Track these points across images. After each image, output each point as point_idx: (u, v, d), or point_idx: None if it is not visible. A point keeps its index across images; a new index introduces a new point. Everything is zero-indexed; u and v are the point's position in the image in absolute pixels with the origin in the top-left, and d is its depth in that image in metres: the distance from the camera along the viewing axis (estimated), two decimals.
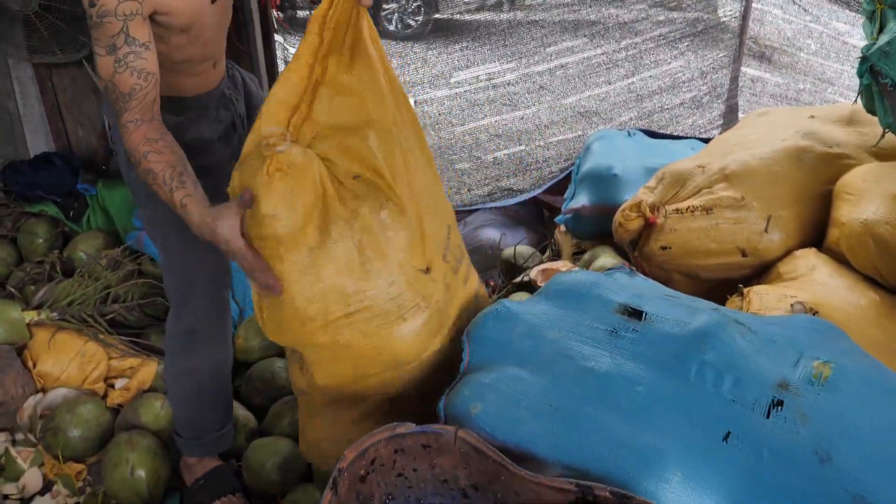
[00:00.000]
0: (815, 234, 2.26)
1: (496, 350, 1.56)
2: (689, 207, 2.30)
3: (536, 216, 3.67)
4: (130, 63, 1.44)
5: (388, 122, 1.53)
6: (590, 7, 3.66)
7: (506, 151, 3.69)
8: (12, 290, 2.65)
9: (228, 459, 2.18)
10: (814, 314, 1.87)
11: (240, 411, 2.28)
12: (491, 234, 3.42)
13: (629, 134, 3.19)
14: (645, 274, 2.48)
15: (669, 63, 3.67)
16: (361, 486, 1.37)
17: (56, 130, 3.49)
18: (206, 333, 1.90)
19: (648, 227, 2.38)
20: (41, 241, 2.98)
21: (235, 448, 2.20)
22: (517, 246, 3.13)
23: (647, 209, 2.38)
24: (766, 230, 2.21)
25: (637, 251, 2.45)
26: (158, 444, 2.12)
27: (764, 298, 1.96)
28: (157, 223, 1.82)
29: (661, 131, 3.47)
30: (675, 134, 3.45)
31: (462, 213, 3.57)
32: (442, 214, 1.72)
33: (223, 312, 1.94)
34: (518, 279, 2.96)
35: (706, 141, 3.10)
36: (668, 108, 3.67)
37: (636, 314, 1.52)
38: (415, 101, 3.66)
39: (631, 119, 3.63)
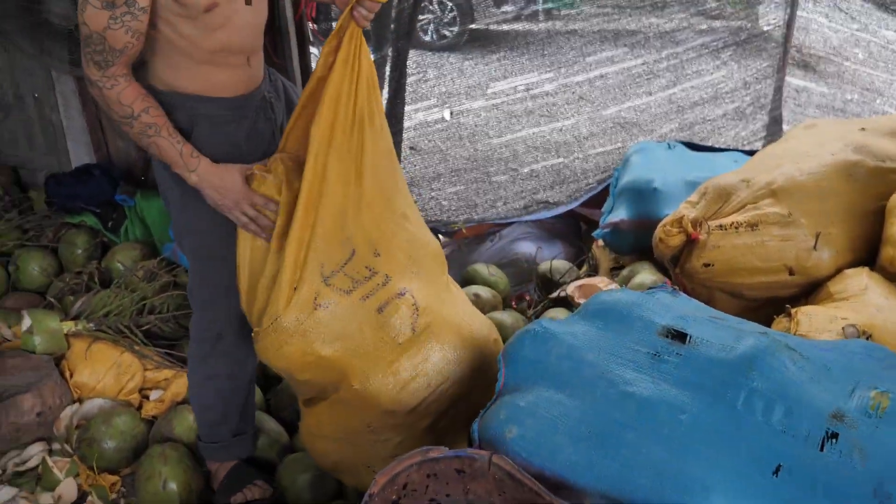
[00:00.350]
0: (867, 252, 2.17)
1: (533, 371, 1.51)
2: (733, 223, 2.23)
3: (573, 230, 3.60)
4: (127, 22, 1.48)
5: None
6: (630, 16, 3.60)
7: (544, 164, 3.64)
8: (52, 300, 2.68)
9: (270, 479, 2.16)
10: (867, 338, 1.78)
11: (271, 424, 2.27)
12: (527, 248, 3.37)
13: (669, 146, 3.12)
14: (686, 292, 2.41)
15: (711, 73, 3.59)
16: None
17: (96, 142, 3.53)
18: (231, 339, 1.90)
19: (690, 243, 2.31)
20: (80, 251, 3.02)
21: (268, 462, 2.18)
22: (554, 260, 3.08)
23: (689, 225, 2.31)
24: (814, 248, 2.13)
25: (678, 268, 2.38)
26: (191, 457, 2.11)
27: (813, 319, 1.88)
28: (187, 226, 1.82)
29: (703, 143, 3.39)
30: (717, 146, 3.36)
31: (498, 226, 3.53)
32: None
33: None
34: (554, 294, 2.90)
35: (749, 153, 3.02)
36: (709, 120, 3.59)
37: (680, 337, 1.46)
38: (450, 112, 3.64)
39: (671, 131, 3.56)
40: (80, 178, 3.02)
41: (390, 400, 1.67)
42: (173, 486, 2.02)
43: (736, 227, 2.21)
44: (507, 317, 2.52)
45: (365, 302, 1.68)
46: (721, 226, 2.24)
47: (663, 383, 1.38)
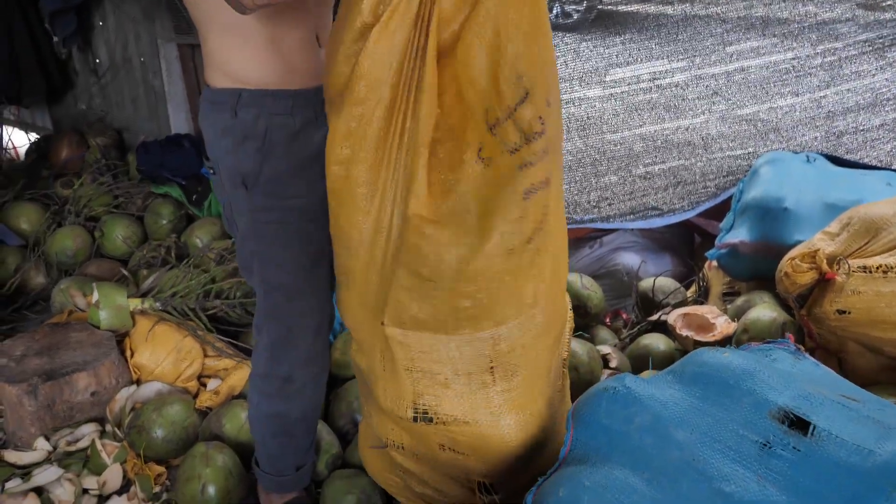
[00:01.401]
0: None
1: (608, 441, 1.24)
2: (881, 266, 1.83)
3: (686, 243, 3.23)
4: None
5: None
6: (783, 2, 3.12)
7: (661, 166, 3.25)
8: (125, 273, 2.63)
9: (309, 486, 2.00)
10: None
11: (323, 433, 2.10)
12: (629, 260, 3.04)
13: (809, 159, 2.68)
14: (812, 337, 2.04)
15: (874, 75, 3.07)
16: None
17: (195, 110, 3.49)
18: (303, 383, 1.69)
19: (824, 283, 1.93)
20: (165, 222, 2.97)
21: (315, 475, 2.02)
22: (659, 277, 2.74)
23: (825, 261, 1.93)
24: None
25: (805, 309, 2.01)
26: (235, 462, 1.97)
27: None
28: (266, 258, 1.57)
29: (850, 158, 2.91)
30: (868, 163, 2.88)
31: (599, 232, 3.20)
32: None
33: (324, 360, 1.74)
34: (654, 317, 2.58)
35: None
36: (863, 130, 3.08)
37: (801, 425, 1.14)
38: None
39: (815, 139, 3.08)
40: (168, 147, 2.96)
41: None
42: (212, 491, 1.89)
43: (884, 272, 1.82)
44: (578, 346, 2.15)
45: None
46: (865, 267, 1.85)
47: (771, 486, 1.08)
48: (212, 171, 1.60)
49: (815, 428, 1.13)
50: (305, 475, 1.90)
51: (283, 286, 1.58)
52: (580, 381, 2.03)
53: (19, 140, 4.53)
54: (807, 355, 1.42)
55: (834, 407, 1.19)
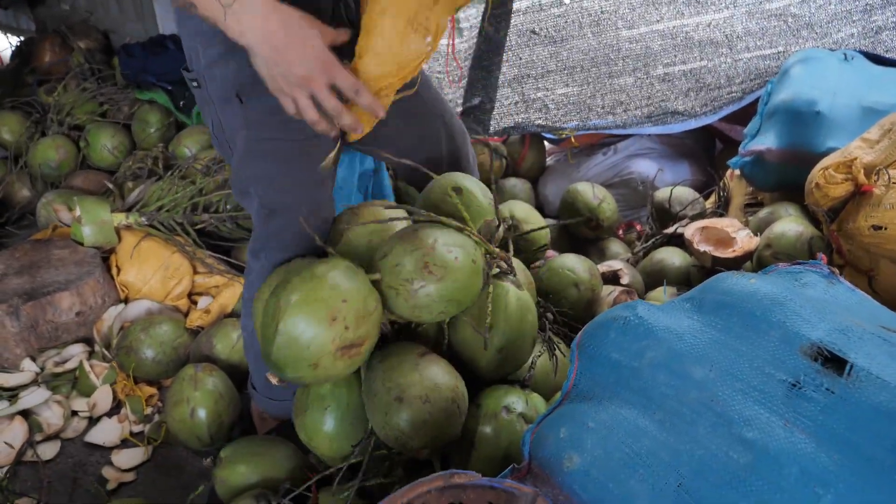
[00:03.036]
0: None
1: (616, 378, 1.12)
2: None
3: (706, 150, 3.03)
4: None
5: None
6: None
7: (682, 67, 3.01)
8: (110, 186, 2.49)
9: None
10: None
11: None
12: (645, 168, 2.86)
13: (846, 57, 2.44)
14: (841, 254, 1.89)
15: None
16: None
17: None
18: None
19: (859, 195, 1.77)
20: (153, 130, 2.81)
21: None
22: (676, 187, 2.57)
23: (861, 172, 1.75)
24: None
25: (835, 224, 1.85)
26: (226, 384, 1.89)
27: None
28: (265, 179, 1.44)
29: (892, 56, 2.67)
30: None
31: (613, 138, 3.00)
32: None
33: None
34: (671, 230, 2.43)
35: None
36: None
37: (836, 363, 1.01)
38: None
39: (851, 36, 2.82)
40: (152, 50, 2.76)
41: None
42: (202, 414, 1.82)
43: None
44: (578, 262, 1.95)
45: None
46: None
47: (799, 433, 0.95)
48: (195, 85, 1.43)
49: (852, 367, 0.99)
50: None
51: (285, 208, 1.45)
52: (580, 299, 1.90)
53: (0, 44, 4.30)
54: (842, 279, 1.27)
55: (874, 342, 1.05)
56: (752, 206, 2.46)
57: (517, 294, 1.45)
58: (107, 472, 1.83)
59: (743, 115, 2.83)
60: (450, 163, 1.76)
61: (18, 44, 4.00)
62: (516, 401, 1.41)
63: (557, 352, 1.64)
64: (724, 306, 1.13)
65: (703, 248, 2.09)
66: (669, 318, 1.15)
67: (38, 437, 1.89)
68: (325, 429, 1.41)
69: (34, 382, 2.01)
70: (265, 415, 1.85)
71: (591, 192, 2.49)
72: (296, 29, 1.10)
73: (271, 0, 1.10)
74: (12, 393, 1.97)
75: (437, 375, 1.31)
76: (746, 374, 1.03)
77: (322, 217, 1.51)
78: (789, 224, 2.02)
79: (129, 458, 1.86)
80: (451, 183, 1.52)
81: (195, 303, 2.24)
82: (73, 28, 3.65)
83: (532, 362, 1.52)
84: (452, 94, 2.84)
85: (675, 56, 2.96)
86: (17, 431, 1.85)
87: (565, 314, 1.81)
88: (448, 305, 1.30)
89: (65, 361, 2.06)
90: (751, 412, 0.99)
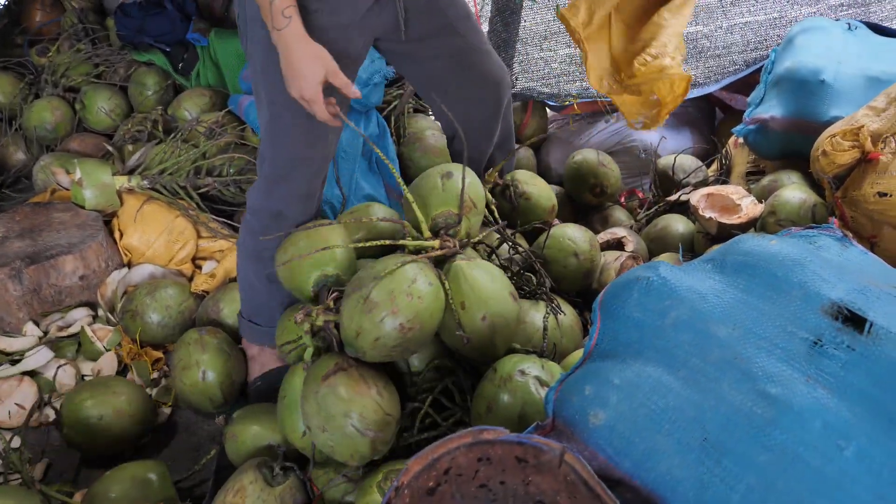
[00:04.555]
0: None
1: (639, 337, 1.13)
2: None
3: (707, 118, 3.03)
4: None
5: None
6: None
7: None
8: (110, 148, 2.46)
9: None
10: None
11: None
12: (647, 135, 2.86)
13: (850, 27, 2.45)
14: (844, 221, 1.91)
15: None
16: (428, 500, 1.04)
17: None
18: (292, 219, 1.68)
19: (865, 163, 1.78)
20: (151, 93, 2.76)
21: None
22: (679, 154, 2.58)
23: (868, 139, 1.77)
24: None
25: (840, 191, 1.87)
26: (230, 343, 1.89)
27: None
28: (269, 88, 1.54)
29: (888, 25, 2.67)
30: None
31: (615, 107, 2.99)
32: None
33: (313, 200, 1.72)
34: (674, 197, 2.44)
35: None
36: None
37: (856, 321, 1.03)
38: None
39: (850, 4, 2.82)
40: (149, 10, 2.70)
41: None
42: (212, 376, 1.83)
43: None
44: (577, 232, 1.96)
45: None
46: None
47: (821, 389, 0.98)
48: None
49: (872, 325, 1.02)
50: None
51: (293, 107, 1.49)
52: (579, 267, 1.92)
53: None
54: (854, 242, 1.29)
55: (890, 301, 1.07)
56: (754, 174, 2.48)
57: (469, 265, 1.48)
58: None
59: (743, 85, 2.83)
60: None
61: (7, 2, 3.90)
62: (531, 366, 1.43)
63: (561, 315, 1.68)
64: (746, 267, 1.15)
65: (708, 214, 2.10)
66: (692, 278, 1.16)
67: (52, 398, 1.89)
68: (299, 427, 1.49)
69: (38, 346, 2.00)
70: (252, 351, 1.89)
71: (598, 159, 2.49)
72: (305, 60, 1.38)
73: (303, 35, 1.37)
74: (16, 358, 1.97)
75: (332, 405, 1.34)
76: (769, 332, 1.05)
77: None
78: (793, 191, 2.04)
79: None
80: (441, 171, 1.62)
81: (199, 267, 2.23)
82: None
83: (544, 330, 1.57)
84: None
85: None
86: (27, 392, 1.84)
87: (557, 280, 1.86)
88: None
89: (68, 325, 2.06)
90: (774, 369, 1.01)
